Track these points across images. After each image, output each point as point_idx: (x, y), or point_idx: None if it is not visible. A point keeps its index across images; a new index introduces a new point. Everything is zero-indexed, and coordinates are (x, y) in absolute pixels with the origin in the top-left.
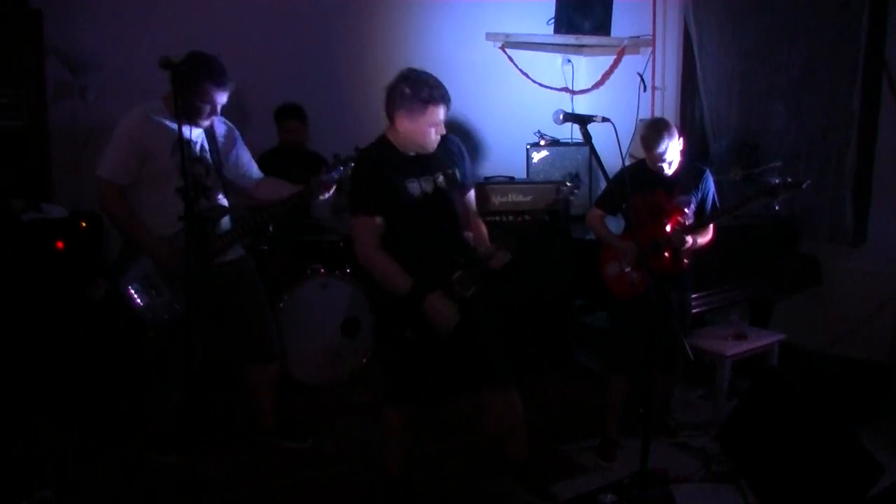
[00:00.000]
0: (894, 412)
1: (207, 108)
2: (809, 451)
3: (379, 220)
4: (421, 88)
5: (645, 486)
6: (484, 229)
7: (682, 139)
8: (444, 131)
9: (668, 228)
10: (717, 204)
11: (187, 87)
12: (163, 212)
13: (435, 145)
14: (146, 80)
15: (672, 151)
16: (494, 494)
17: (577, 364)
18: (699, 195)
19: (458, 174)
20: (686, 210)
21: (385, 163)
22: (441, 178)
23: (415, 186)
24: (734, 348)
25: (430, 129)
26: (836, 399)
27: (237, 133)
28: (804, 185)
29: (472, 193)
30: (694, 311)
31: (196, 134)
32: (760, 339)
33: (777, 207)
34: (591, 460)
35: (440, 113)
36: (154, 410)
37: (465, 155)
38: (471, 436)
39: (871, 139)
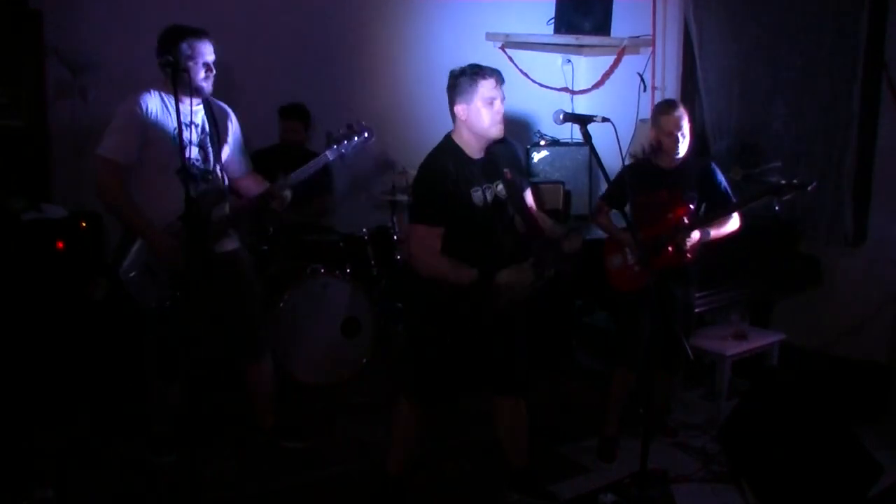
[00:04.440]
0: (894, 412)
1: (200, 67)
2: (809, 451)
3: (441, 230)
4: (468, 69)
5: (645, 486)
6: (549, 222)
7: (690, 125)
8: (501, 108)
9: (673, 223)
10: (730, 192)
11: (174, 56)
12: (164, 197)
13: (498, 129)
14: (146, 79)
15: (685, 126)
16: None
17: (577, 364)
18: (707, 188)
19: (516, 176)
20: (691, 206)
21: (452, 169)
22: (500, 186)
23: (479, 195)
24: (734, 348)
25: (486, 108)
26: (836, 399)
27: (236, 122)
28: (809, 188)
29: (529, 192)
30: (694, 310)
31: (198, 118)
32: (760, 339)
33: (777, 208)
34: (591, 460)
35: (491, 86)
36: (155, 406)
37: (520, 155)
38: (471, 436)
39: (871, 139)
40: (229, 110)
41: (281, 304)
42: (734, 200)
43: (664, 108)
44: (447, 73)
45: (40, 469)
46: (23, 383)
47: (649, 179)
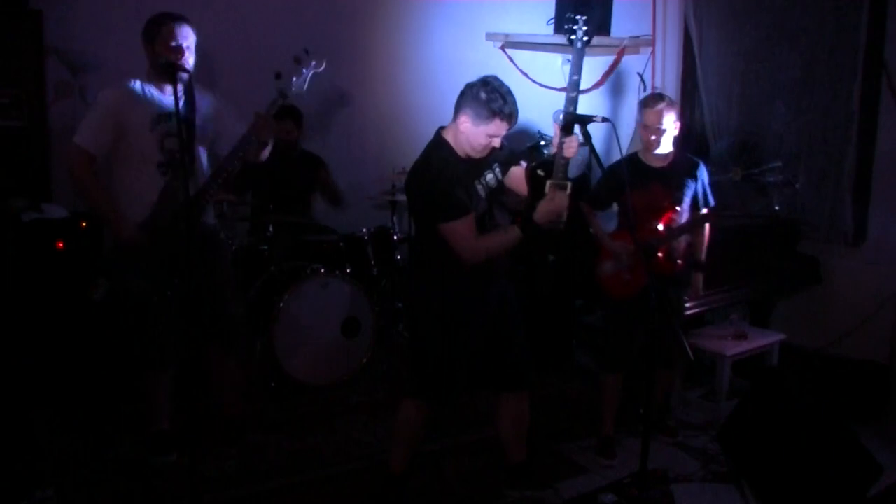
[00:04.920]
0: (894, 412)
1: (178, 51)
2: (809, 451)
3: (472, 214)
4: (495, 98)
5: (645, 486)
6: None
7: (678, 123)
8: (497, 145)
9: (660, 227)
10: (711, 198)
11: (152, 43)
12: (140, 188)
13: (480, 155)
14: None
15: (667, 122)
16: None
17: (577, 364)
18: (695, 187)
19: (500, 170)
20: (678, 208)
21: (457, 168)
22: (490, 176)
23: (481, 189)
24: (734, 348)
25: (486, 139)
26: (836, 399)
27: (221, 103)
28: (797, 185)
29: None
30: (694, 311)
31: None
32: (760, 339)
33: (777, 207)
34: (591, 460)
35: (502, 129)
36: (149, 402)
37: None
38: (471, 436)
39: (871, 139)
40: (209, 93)
41: (281, 304)
42: (711, 202)
43: (646, 101)
44: (447, 73)
45: (40, 469)
46: (23, 383)
47: (639, 177)
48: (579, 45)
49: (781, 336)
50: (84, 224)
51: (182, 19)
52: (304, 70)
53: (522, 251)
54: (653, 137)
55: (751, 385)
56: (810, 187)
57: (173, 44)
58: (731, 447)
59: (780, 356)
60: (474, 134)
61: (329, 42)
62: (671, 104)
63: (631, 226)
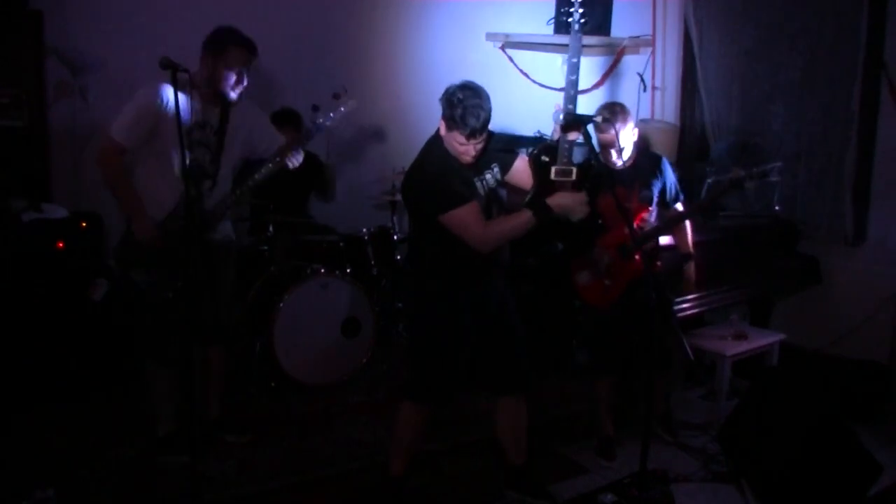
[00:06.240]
0: (894, 412)
1: (234, 76)
2: (809, 451)
3: (476, 202)
4: (455, 108)
5: (645, 486)
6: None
7: (636, 129)
8: (468, 159)
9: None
10: (679, 191)
11: (219, 57)
12: (162, 192)
13: (465, 160)
14: (146, 80)
15: (624, 138)
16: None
17: (577, 364)
18: (660, 184)
19: (498, 171)
20: (650, 208)
21: (455, 162)
22: (489, 176)
23: (481, 187)
24: (734, 348)
25: (458, 147)
26: (835, 399)
27: (255, 109)
28: (770, 173)
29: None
30: (694, 311)
31: (213, 118)
32: (760, 339)
33: (777, 207)
34: (590, 460)
35: (462, 140)
36: (154, 399)
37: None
38: (471, 436)
39: (871, 139)
40: (247, 100)
41: (281, 304)
42: (681, 197)
43: (598, 125)
44: (447, 73)
45: (40, 469)
46: (23, 383)
47: (602, 180)
48: (576, 26)
49: (781, 336)
50: (84, 224)
51: (251, 43)
52: (342, 108)
53: (533, 240)
54: (611, 158)
55: (751, 385)
56: (810, 187)
57: (238, 69)
58: (731, 447)
59: (780, 356)
60: (448, 139)
61: (328, 42)
62: (624, 118)
63: (627, 219)
